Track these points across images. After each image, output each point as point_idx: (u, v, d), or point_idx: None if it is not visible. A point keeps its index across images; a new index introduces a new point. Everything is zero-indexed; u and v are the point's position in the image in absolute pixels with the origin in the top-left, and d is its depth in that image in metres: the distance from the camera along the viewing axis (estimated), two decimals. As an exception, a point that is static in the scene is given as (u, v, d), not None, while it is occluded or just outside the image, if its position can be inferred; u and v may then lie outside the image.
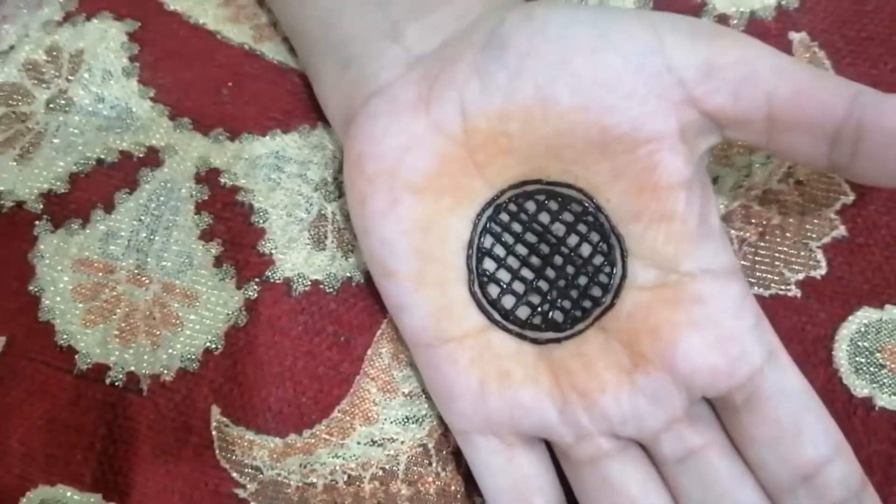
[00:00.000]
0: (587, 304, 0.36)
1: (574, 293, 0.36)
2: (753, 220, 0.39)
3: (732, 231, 0.39)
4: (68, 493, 0.39)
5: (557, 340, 0.36)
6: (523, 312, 0.37)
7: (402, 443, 0.38)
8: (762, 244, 0.39)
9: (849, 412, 0.36)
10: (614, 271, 0.36)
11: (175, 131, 0.43)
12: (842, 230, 0.39)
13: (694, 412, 0.35)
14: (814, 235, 0.39)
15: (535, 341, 0.36)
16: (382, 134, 0.37)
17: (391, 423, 0.39)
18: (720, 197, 0.40)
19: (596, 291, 0.36)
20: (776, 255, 0.39)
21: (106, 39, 0.45)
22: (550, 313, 0.36)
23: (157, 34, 0.46)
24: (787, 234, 0.39)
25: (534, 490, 0.36)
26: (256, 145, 0.43)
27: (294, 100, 0.44)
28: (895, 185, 0.34)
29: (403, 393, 0.39)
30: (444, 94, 0.37)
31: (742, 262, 0.39)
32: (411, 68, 0.38)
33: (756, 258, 0.39)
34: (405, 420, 0.39)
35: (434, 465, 0.38)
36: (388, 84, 0.38)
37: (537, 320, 0.36)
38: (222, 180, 0.42)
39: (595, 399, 0.35)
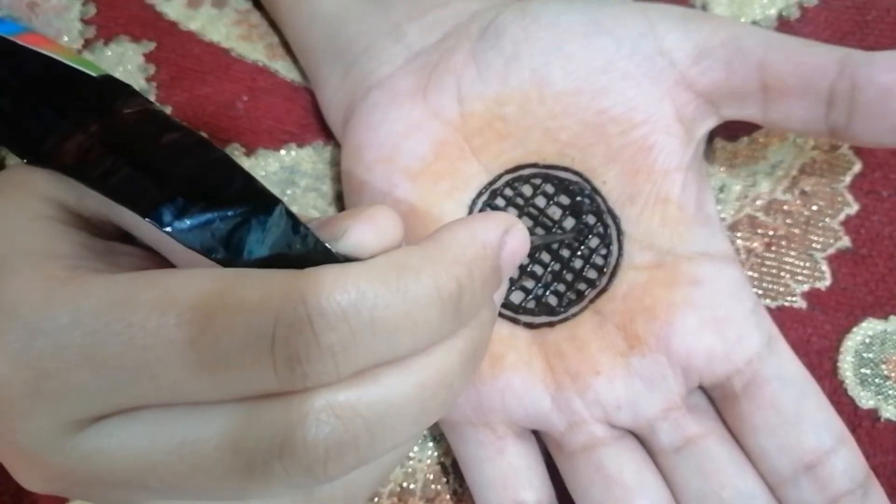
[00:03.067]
0: (582, 286, 0.36)
1: (569, 276, 0.36)
2: (759, 231, 0.40)
3: (739, 241, 0.40)
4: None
5: (551, 324, 0.36)
6: (517, 297, 0.37)
7: (420, 461, 0.39)
8: (768, 255, 0.39)
9: (854, 424, 0.36)
10: (610, 252, 0.36)
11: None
12: (846, 241, 0.39)
13: (692, 402, 0.35)
14: (819, 246, 0.39)
15: (529, 325, 0.36)
16: (380, 122, 0.38)
17: (409, 442, 0.39)
18: (726, 206, 0.40)
19: (591, 274, 0.36)
20: (782, 265, 0.39)
21: (123, 63, 0.46)
22: (545, 297, 0.36)
23: (172, 53, 0.46)
24: (793, 245, 0.39)
25: (522, 483, 0.35)
26: (271, 161, 0.43)
27: (308, 115, 0.45)
28: (894, 143, 0.34)
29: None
30: (441, 82, 0.37)
31: (749, 273, 0.39)
32: (410, 61, 0.39)
33: (763, 269, 0.39)
34: (422, 438, 0.39)
35: (451, 482, 0.38)
36: (388, 76, 0.39)
37: (531, 304, 0.36)
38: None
39: (588, 382, 0.35)
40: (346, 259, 0.25)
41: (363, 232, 0.26)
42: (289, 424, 0.23)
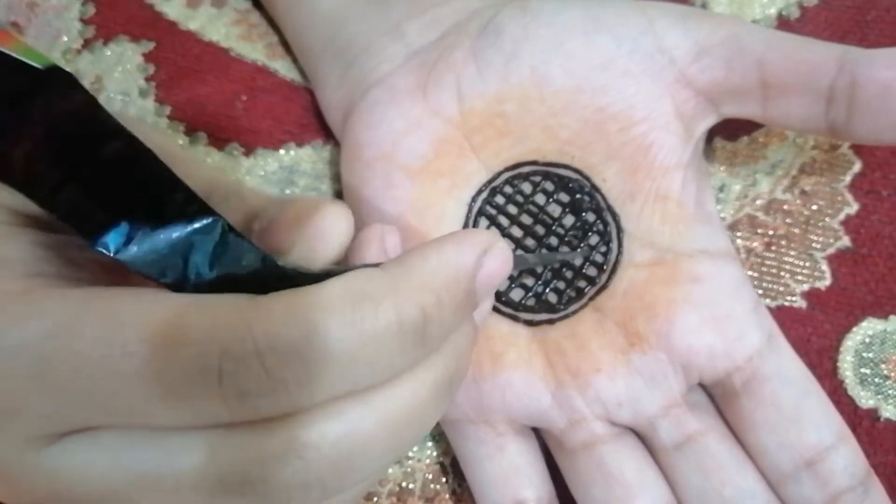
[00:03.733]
0: (582, 283, 0.36)
1: (569, 273, 0.36)
2: (759, 231, 0.40)
3: (739, 241, 0.40)
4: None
5: (551, 321, 0.36)
6: (517, 294, 0.37)
7: (419, 460, 0.39)
8: (768, 255, 0.39)
9: (854, 423, 0.36)
10: (610, 250, 0.36)
11: (191, 147, 0.44)
12: (846, 241, 0.39)
13: (692, 399, 0.35)
14: (818, 246, 0.39)
15: (529, 323, 0.36)
16: (380, 120, 0.38)
17: (408, 441, 0.39)
18: (726, 206, 0.40)
19: (591, 271, 0.36)
20: (782, 265, 0.39)
21: (123, 62, 0.46)
22: (545, 294, 0.36)
23: (171, 53, 0.46)
24: (793, 245, 0.39)
25: (523, 481, 0.35)
26: (270, 160, 0.43)
27: (308, 115, 0.45)
28: (894, 140, 0.34)
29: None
30: (441, 79, 0.38)
31: (749, 273, 0.39)
32: (410, 59, 0.39)
33: (763, 269, 0.39)
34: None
35: (450, 482, 0.38)
36: (387, 74, 0.39)
37: (531, 302, 0.36)
38: (238, 197, 0.43)
39: (589, 379, 0.34)
40: (298, 274, 0.25)
41: (312, 243, 0.26)
42: (249, 463, 0.23)
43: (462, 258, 0.26)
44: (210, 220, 0.24)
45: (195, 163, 0.34)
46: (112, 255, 0.23)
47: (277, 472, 0.23)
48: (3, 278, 0.24)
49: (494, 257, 0.27)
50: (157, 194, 0.24)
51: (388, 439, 0.24)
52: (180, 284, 0.24)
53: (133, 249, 0.24)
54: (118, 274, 0.24)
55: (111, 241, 0.23)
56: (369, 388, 0.24)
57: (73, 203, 0.24)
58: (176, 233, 0.24)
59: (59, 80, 0.26)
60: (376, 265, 0.26)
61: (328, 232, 0.26)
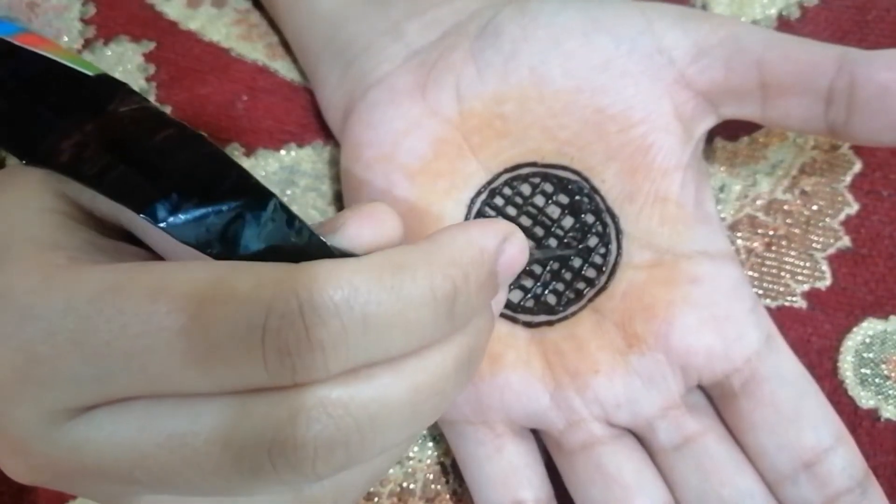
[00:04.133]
0: (581, 285, 0.36)
1: (568, 275, 0.36)
2: (760, 231, 0.40)
3: (739, 241, 0.40)
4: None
5: (550, 323, 0.36)
6: (515, 296, 0.37)
7: (420, 460, 0.39)
8: (769, 255, 0.39)
9: (854, 424, 0.36)
10: (609, 251, 0.36)
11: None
12: (846, 241, 0.39)
13: (690, 401, 0.35)
14: (819, 246, 0.39)
15: (527, 324, 0.36)
16: (380, 120, 0.38)
17: (409, 441, 0.39)
18: (726, 206, 0.40)
19: (590, 272, 0.36)
20: (783, 265, 0.39)
21: (123, 62, 0.46)
22: (543, 296, 0.36)
23: (172, 53, 0.46)
24: (793, 245, 0.39)
25: (521, 482, 0.35)
26: (271, 160, 0.43)
27: (308, 115, 0.45)
28: (893, 141, 0.34)
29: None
30: (440, 80, 0.38)
31: (749, 273, 0.39)
32: (409, 59, 0.39)
33: (763, 269, 0.39)
34: (422, 438, 0.39)
35: (451, 482, 0.38)
36: (387, 74, 0.39)
37: (530, 303, 0.36)
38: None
39: (587, 381, 0.35)
40: (342, 254, 0.25)
41: (360, 227, 0.26)
42: (279, 421, 0.23)
43: (486, 241, 0.27)
44: (262, 195, 0.25)
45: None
46: (159, 224, 0.24)
47: (306, 429, 0.23)
48: (54, 256, 0.24)
49: (513, 244, 0.27)
50: (208, 172, 0.25)
51: (412, 407, 0.25)
52: (226, 256, 0.24)
53: (180, 218, 0.24)
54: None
55: (159, 210, 0.24)
56: (400, 357, 0.24)
57: (122, 179, 0.24)
58: (225, 206, 0.24)
59: (109, 87, 0.26)
60: (410, 244, 0.26)
61: (378, 220, 0.27)
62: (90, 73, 0.27)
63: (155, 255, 0.28)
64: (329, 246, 0.25)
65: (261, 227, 0.24)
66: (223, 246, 0.24)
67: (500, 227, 0.27)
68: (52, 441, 0.24)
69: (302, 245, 0.25)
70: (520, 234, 0.28)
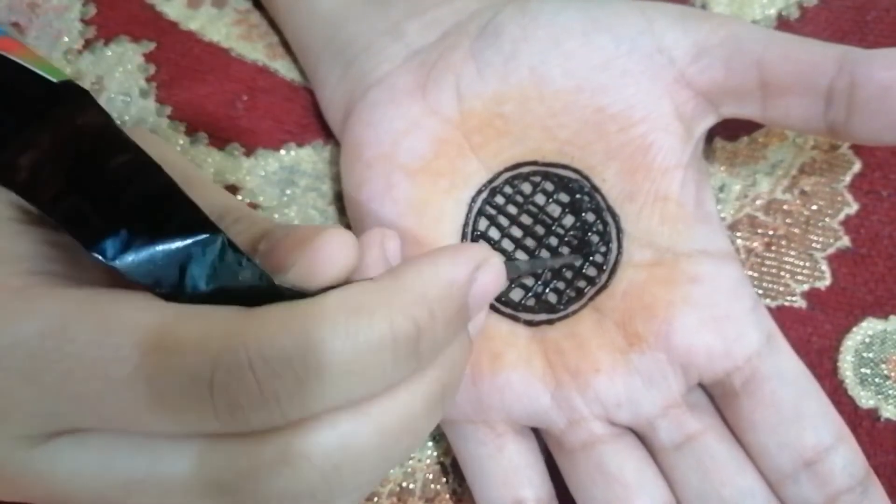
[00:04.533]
0: (582, 284, 0.36)
1: (569, 274, 0.37)
2: (759, 231, 0.40)
3: (739, 241, 0.40)
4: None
5: (551, 322, 0.36)
6: (516, 294, 0.37)
7: (419, 460, 0.39)
8: (768, 255, 0.39)
9: (854, 423, 0.36)
10: (609, 250, 0.36)
11: (192, 147, 0.44)
12: (846, 241, 0.39)
13: (691, 400, 0.35)
14: (818, 246, 0.39)
15: (528, 323, 0.36)
16: (380, 120, 0.38)
17: (408, 441, 0.39)
18: (726, 206, 0.40)
19: (591, 271, 0.36)
20: (783, 265, 0.39)
21: (123, 63, 0.46)
22: (544, 294, 0.36)
23: (172, 53, 0.46)
24: (793, 245, 0.39)
25: (522, 481, 0.35)
26: (271, 160, 0.43)
27: (308, 115, 0.45)
28: (893, 140, 0.34)
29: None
30: (440, 79, 0.38)
31: (749, 273, 0.39)
32: (409, 59, 0.39)
33: (763, 269, 0.39)
34: (422, 438, 0.39)
35: (451, 482, 0.38)
36: (387, 74, 0.39)
37: (531, 302, 0.37)
38: (238, 197, 0.43)
39: (588, 380, 0.35)
40: (295, 293, 0.25)
41: (311, 264, 0.26)
42: (240, 472, 0.22)
43: (455, 272, 0.26)
44: (210, 234, 0.24)
45: (209, 186, 0.34)
46: (107, 261, 0.23)
47: (268, 482, 0.22)
48: (6, 274, 0.24)
49: (487, 272, 0.27)
50: (158, 207, 0.24)
51: (381, 451, 0.24)
52: (175, 295, 0.24)
53: (129, 258, 0.24)
54: (121, 277, 0.24)
55: (108, 247, 0.23)
56: (363, 401, 0.24)
57: (74, 210, 0.24)
58: (175, 244, 0.24)
59: (71, 95, 0.26)
60: (370, 280, 0.26)
61: (329, 255, 0.26)
62: (54, 80, 0.27)
63: None
64: (280, 285, 0.25)
65: (209, 266, 0.24)
66: (171, 285, 0.24)
67: (472, 254, 0.27)
68: (21, 465, 0.24)
69: (252, 285, 0.25)
70: (494, 259, 0.27)
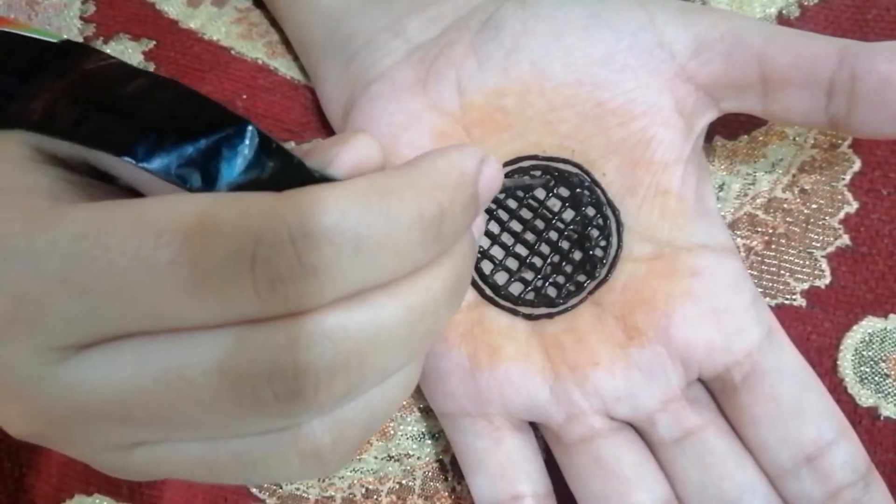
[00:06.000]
0: (581, 278, 0.36)
1: (569, 268, 0.37)
2: (759, 229, 0.40)
3: (739, 239, 0.40)
4: (105, 503, 0.40)
5: (550, 316, 0.36)
6: (516, 288, 0.37)
7: (419, 458, 0.39)
8: (768, 253, 0.39)
9: (854, 422, 0.36)
10: (609, 244, 0.36)
11: (191, 146, 0.44)
12: (845, 239, 0.39)
13: (691, 394, 0.35)
14: (818, 244, 0.39)
15: (528, 317, 0.36)
16: (380, 114, 0.38)
17: (407, 438, 0.39)
18: (725, 205, 0.40)
19: (591, 265, 0.36)
20: (782, 264, 0.39)
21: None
22: (544, 288, 0.37)
23: (172, 51, 0.46)
24: (793, 244, 0.39)
25: (520, 476, 0.36)
26: (271, 159, 0.43)
27: (308, 113, 0.45)
28: (894, 133, 0.34)
29: (419, 409, 0.40)
30: (441, 74, 0.38)
31: (749, 272, 0.39)
32: (410, 54, 0.39)
33: (762, 267, 0.39)
34: (421, 436, 0.39)
35: (450, 480, 0.38)
36: (388, 69, 0.39)
37: (530, 296, 0.37)
38: (238, 196, 0.43)
39: (587, 373, 0.35)
40: (325, 179, 0.25)
41: (342, 153, 0.26)
42: (278, 347, 0.23)
43: (466, 163, 0.26)
44: (238, 125, 0.24)
45: None
46: (138, 164, 0.24)
47: (306, 354, 0.23)
48: (32, 198, 0.24)
49: (490, 166, 0.27)
50: (183, 110, 0.24)
51: (408, 329, 0.25)
52: (207, 189, 0.24)
53: (159, 157, 0.24)
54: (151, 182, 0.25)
55: (138, 151, 0.24)
56: (391, 280, 0.24)
57: (97, 126, 0.24)
58: (204, 140, 0.24)
59: (75, 49, 0.26)
60: (393, 168, 0.26)
61: (363, 150, 0.27)
62: (55, 41, 0.27)
63: (128, 192, 0.28)
64: (311, 170, 0.25)
65: (239, 157, 0.24)
66: (203, 180, 0.24)
67: (476, 149, 0.27)
68: (46, 382, 0.24)
69: (283, 172, 0.25)
70: (493, 157, 0.28)
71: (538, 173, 0.37)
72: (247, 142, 0.24)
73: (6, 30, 0.27)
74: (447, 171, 0.26)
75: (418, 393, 0.39)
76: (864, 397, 0.37)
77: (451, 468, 0.39)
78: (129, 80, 0.25)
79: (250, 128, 0.24)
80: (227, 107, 0.25)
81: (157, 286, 0.22)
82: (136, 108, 0.24)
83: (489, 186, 0.27)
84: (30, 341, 0.23)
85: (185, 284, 0.22)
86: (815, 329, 0.38)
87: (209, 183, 0.24)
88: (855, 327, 0.38)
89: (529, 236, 0.37)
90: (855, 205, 0.40)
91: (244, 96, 0.45)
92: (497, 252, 0.37)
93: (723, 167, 0.41)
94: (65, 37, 0.27)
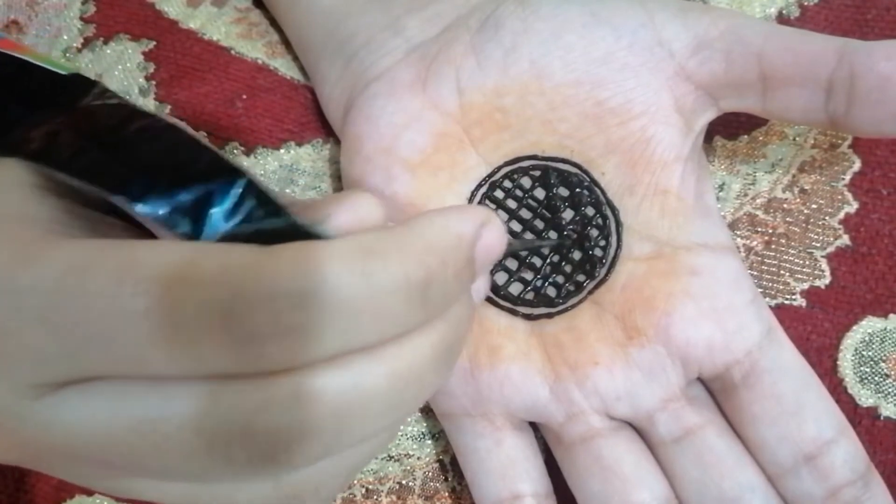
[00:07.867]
0: (581, 277, 0.36)
1: (568, 268, 0.37)
2: (759, 229, 0.40)
3: (739, 239, 0.40)
4: (105, 503, 0.40)
5: (550, 315, 0.36)
6: (516, 288, 0.37)
7: (419, 458, 0.39)
8: (768, 253, 0.39)
9: (854, 422, 0.36)
10: (609, 244, 0.36)
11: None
12: (845, 239, 0.39)
13: (691, 393, 0.35)
14: (818, 244, 0.39)
15: (527, 317, 0.36)
16: (380, 113, 0.38)
17: (407, 438, 0.39)
18: (725, 205, 0.40)
19: (590, 265, 0.36)
20: (782, 264, 0.39)
21: (123, 61, 0.46)
22: (543, 288, 0.37)
23: (172, 52, 0.46)
24: (793, 244, 0.39)
25: (520, 475, 0.35)
26: (270, 159, 0.44)
27: (308, 113, 0.45)
28: (893, 131, 0.33)
29: (419, 409, 0.40)
30: (440, 73, 0.38)
31: (749, 272, 0.39)
32: (410, 53, 0.39)
33: (762, 267, 0.39)
34: (421, 436, 0.39)
35: (450, 480, 0.38)
36: (388, 68, 0.39)
37: (530, 296, 0.37)
38: (238, 196, 0.43)
39: (587, 373, 0.35)
40: (314, 236, 0.25)
41: (338, 212, 0.26)
42: (252, 407, 0.22)
43: (463, 226, 0.26)
44: (233, 175, 0.24)
45: None
46: (129, 205, 0.23)
47: (278, 419, 0.22)
48: (24, 229, 0.24)
49: (491, 231, 0.27)
50: (180, 156, 0.24)
51: (390, 397, 0.24)
52: (195, 236, 0.24)
53: (150, 199, 0.24)
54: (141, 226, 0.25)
55: (130, 192, 0.23)
56: (375, 345, 0.24)
57: (93, 162, 0.24)
58: (196, 187, 0.24)
59: (83, 83, 0.26)
60: (383, 228, 0.26)
61: (362, 211, 0.26)
62: (64, 73, 0.27)
63: (138, 225, 0.28)
64: (303, 226, 0.25)
65: (230, 206, 0.24)
66: (192, 226, 0.24)
67: (478, 212, 0.27)
68: (24, 418, 0.23)
69: (275, 226, 0.25)
70: (497, 221, 0.27)
71: (537, 172, 0.37)
72: (240, 192, 0.24)
73: (18, 56, 0.27)
74: (442, 233, 0.25)
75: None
76: (864, 397, 0.37)
77: (451, 468, 0.39)
78: (132, 119, 0.25)
79: (244, 179, 0.24)
80: (225, 157, 0.25)
81: (132, 334, 0.22)
82: (135, 149, 0.24)
83: (488, 251, 0.27)
84: (8, 375, 0.23)
85: (161, 336, 0.22)
86: (814, 329, 0.38)
87: (198, 230, 0.24)
88: (855, 327, 0.38)
89: (529, 237, 0.37)
90: (855, 205, 0.40)
91: (244, 96, 0.45)
92: None
93: (723, 167, 0.41)
94: (75, 69, 0.27)
